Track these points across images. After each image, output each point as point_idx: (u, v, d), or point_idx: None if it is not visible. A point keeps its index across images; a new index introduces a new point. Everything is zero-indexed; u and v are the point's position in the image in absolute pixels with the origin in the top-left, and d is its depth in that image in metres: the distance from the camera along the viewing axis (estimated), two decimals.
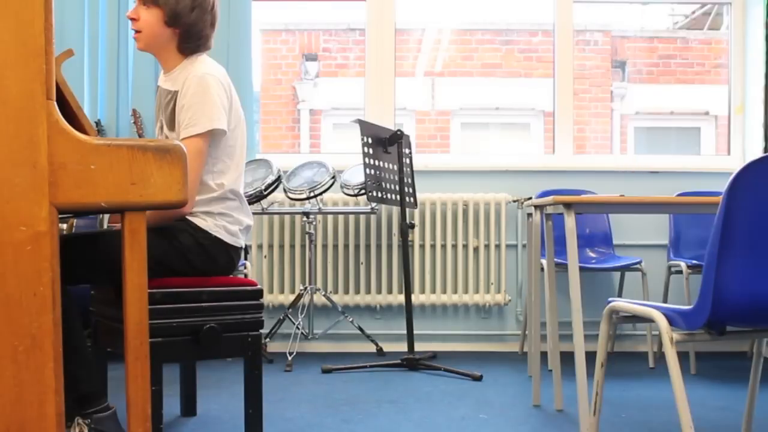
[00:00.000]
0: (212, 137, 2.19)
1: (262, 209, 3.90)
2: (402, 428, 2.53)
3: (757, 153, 4.15)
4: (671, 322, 1.63)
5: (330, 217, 4.14)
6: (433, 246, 4.17)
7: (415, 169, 3.96)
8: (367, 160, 3.57)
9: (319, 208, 3.91)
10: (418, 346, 3.76)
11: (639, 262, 3.73)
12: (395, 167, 3.73)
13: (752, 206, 1.50)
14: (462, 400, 2.94)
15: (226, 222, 2.30)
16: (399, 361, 3.55)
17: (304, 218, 3.91)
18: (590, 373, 2.12)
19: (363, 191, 3.73)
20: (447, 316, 4.22)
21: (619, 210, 3.47)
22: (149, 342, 1.49)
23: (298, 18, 7.81)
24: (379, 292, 4.15)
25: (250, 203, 3.74)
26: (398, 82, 4.42)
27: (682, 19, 7.64)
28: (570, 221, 2.41)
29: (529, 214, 3.51)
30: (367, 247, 4.16)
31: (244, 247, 2.44)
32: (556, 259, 3.21)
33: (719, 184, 2.03)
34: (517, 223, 4.23)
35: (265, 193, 3.72)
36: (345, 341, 4.12)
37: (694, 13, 7.48)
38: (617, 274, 4.03)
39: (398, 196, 3.66)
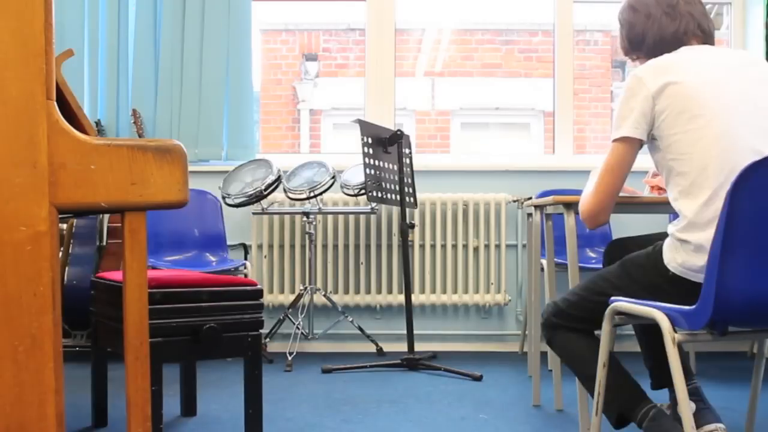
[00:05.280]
0: None
1: (262, 209, 3.90)
2: (402, 428, 2.52)
3: None
4: (673, 322, 1.63)
5: (330, 217, 4.13)
6: (433, 246, 4.17)
7: (415, 169, 3.96)
8: (367, 160, 3.57)
9: (319, 208, 3.90)
10: (418, 346, 3.75)
11: None
12: (395, 167, 3.73)
13: (755, 206, 1.49)
14: (462, 400, 2.94)
15: None
16: (399, 361, 3.55)
17: (304, 218, 3.91)
18: None
19: (363, 191, 3.73)
20: (447, 316, 4.22)
21: (619, 210, 3.47)
22: (149, 342, 1.49)
23: (298, 18, 7.82)
24: (379, 292, 4.15)
25: (250, 203, 3.74)
26: (398, 82, 4.42)
27: None
28: (570, 221, 2.40)
29: (529, 214, 3.51)
30: (367, 247, 4.15)
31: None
32: (556, 259, 3.21)
33: None
34: (517, 223, 4.23)
35: (265, 193, 3.71)
36: (345, 341, 4.12)
37: None
38: None
39: (398, 196, 3.66)
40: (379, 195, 3.59)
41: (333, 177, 3.79)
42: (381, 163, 3.66)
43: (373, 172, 3.58)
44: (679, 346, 1.66)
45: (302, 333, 3.88)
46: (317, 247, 4.10)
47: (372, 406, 2.84)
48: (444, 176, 4.24)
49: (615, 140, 1.89)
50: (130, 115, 4.10)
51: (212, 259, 3.95)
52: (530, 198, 3.86)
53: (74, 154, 1.37)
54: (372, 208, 3.95)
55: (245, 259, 4.07)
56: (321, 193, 3.75)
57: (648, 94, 1.82)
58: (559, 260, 3.49)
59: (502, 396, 3.01)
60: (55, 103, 1.36)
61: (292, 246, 4.13)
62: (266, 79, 7.88)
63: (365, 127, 3.64)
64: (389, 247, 4.15)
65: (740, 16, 4.43)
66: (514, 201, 4.14)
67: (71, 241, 3.70)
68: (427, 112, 7.88)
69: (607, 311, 1.83)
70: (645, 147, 1.93)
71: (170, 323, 2.08)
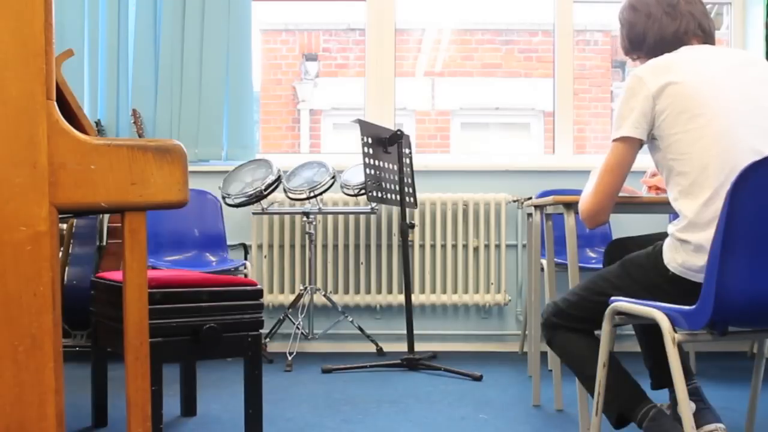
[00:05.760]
0: None
1: (262, 209, 3.90)
2: (402, 428, 2.52)
3: None
4: (673, 322, 1.63)
5: (330, 217, 4.13)
6: (433, 246, 4.16)
7: (415, 169, 3.96)
8: (367, 160, 3.57)
9: (319, 208, 3.90)
10: (418, 346, 3.75)
11: None
12: (395, 167, 3.72)
13: (755, 206, 1.49)
14: (462, 400, 2.94)
15: None
16: (399, 361, 3.55)
17: (304, 218, 3.91)
18: None
19: (363, 191, 3.73)
20: (447, 316, 4.22)
21: (619, 210, 3.47)
22: (149, 342, 1.49)
23: (298, 18, 7.81)
24: (379, 292, 4.15)
25: (250, 203, 3.74)
26: (398, 82, 4.42)
27: None
28: (570, 221, 2.40)
29: (529, 214, 3.51)
30: (367, 247, 4.15)
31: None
32: (556, 259, 3.21)
33: None
34: (517, 223, 4.23)
35: (265, 193, 3.71)
36: (345, 341, 4.12)
37: None
38: None
39: (398, 196, 3.66)
40: (379, 195, 3.59)
41: (333, 177, 3.79)
42: (381, 163, 3.66)
43: (373, 172, 3.58)
44: (679, 346, 1.66)
45: (302, 333, 3.88)
46: (317, 247, 4.10)
47: (372, 406, 2.84)
48: (444, 176, 4.24)
49: (615, 140, 1.90)
50: (130, 115, 4.10)
51: (212, 259, 3.95)
52: (530, 198, 3.86)
53: (74, 154, 1.37)
54: (372, 208, 3.95)
55: (245, 259, 4.07)
56: (321, 193, 3.75)
57: (648, 94, 1.82)
58: (559, 260, 3.49)
59: (502, 396, 3.01)
60: (55, 103, 1.36)
61: (292, 246, 4.13)
62: (266, 79, 7.88)
63: (365, 127, 3.64)
64: (389, 247, 4.15)
65: (740, 16, 4.43)
66: (514, 201, 4.14)
67: (71, 241, 3.70)
68: (427, 112, 7.88)
69: (607, 311, 1.83)
70: (645, 147, 1.93)
71: (170, 323, 2.08)
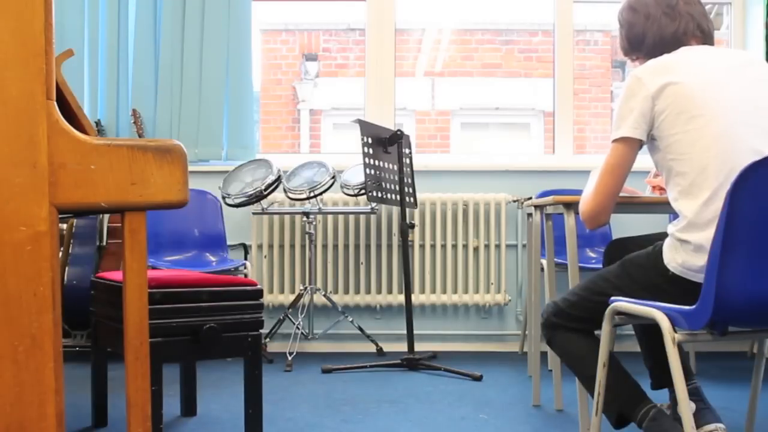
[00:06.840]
0: None
1: (262, 209, 3.90)
2: (402, 428, 2.52)
3: None
4: (673, 322, 1.63)
5: (330, 217, 4.13)
6: (433, 246, 4.16)
7: (415, 169, 3.96)
8: (367, 160, 3.57)
9: (319, 208, 3.90)
10: (418, 346, 3.75)
11: None
12: (395, 167, 3.72)
13: (755, 206, 1.49)
14: (462, 400, 2.94)
15: None
16: (399, 361, 3.55)
17: (304, 218, 3.91)
18: None
19: (363, 191, 3.73)
20: (447, 316, 4.22)
21: (619, 210, 3.47)
22: (149, 342, 1.49)
23: (298, 18, 7.82)
24: (379, 292, 4.15)
25: (250, 203, 3.75)
26: (398, 82, 4.42)
27: None
28: (570, 221, 2.40)
29: (529, 214, 3.51)
30: (367, 247, 4.15)
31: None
32: (556, 259, 3.21)
33: None
34: (517, 223, 4.23)
35: (265, 193, 3.71)
36: (345, 341, 4.12)
37: None
38: None
39: (398, 196, 3.66)
40: (379, 195, 3.59)
41: (333, 177, 3.79)
42: (381, 163, 3.66)
43: (373, 172, 3.58)
44: (679, 346, 1.66)
45: (302, 333, 3.88)
46: (317, 247, 4.10)
47: (372, 406, 2.84)
48: (444, 176, 4.24)
49: (615, 140, 1.90)
50: (130, 115, 4.10)
51: (212, 259, 3.95)
52: (530, 198, 3.86)
53: (74, 154, 1.37)
54: (372, 208, 3.95)
55: (245, 259, 4.07)
56: (321, 193, 3.75)
57: (647, 95, 1.82)
58: (559, 260, 3.49)
59: (502, 396, 3.01)
60: (55, 103, 1.36)
61: (292, 246, 4.13)
62: (266, 79, 7.88)
63: (365, 127, 3.64)
64: (389, 247, 4.15)
65: (740, 16, 4.43)
66: (514, 201, 4.14)
67: (71, 241, 3.70)
68: (427, 112, 7.88)
69: (607, 311, 1.83)
70: (645, 147, 1.93)
71: (170, 323, 2.08)
